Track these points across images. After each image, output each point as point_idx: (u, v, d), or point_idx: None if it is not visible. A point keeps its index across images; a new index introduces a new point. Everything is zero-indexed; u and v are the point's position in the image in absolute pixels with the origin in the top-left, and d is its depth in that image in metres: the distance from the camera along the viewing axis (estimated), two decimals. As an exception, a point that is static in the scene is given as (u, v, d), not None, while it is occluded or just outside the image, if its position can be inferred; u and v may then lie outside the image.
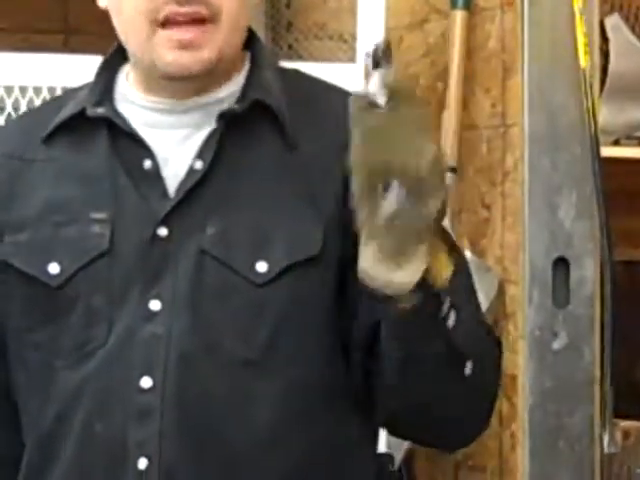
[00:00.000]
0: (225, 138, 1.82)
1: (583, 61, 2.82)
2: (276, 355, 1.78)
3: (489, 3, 3.03)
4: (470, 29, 3.04)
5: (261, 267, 1.76)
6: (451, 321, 1.68)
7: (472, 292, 1.83)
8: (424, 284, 1.59)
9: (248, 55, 1.92)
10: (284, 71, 1.98)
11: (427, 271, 1.58)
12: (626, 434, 3.06)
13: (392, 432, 1.99)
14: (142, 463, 1.75)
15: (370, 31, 2.80)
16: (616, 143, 3.13)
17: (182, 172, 1.81)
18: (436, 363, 1.72)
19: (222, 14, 1.79)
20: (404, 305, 1.63)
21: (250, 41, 1.93)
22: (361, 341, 1.79)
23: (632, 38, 3.30)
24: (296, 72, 1.99)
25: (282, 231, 1.79)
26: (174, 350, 1.77)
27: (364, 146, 1.55)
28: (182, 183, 1.80)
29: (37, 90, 2.62)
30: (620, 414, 2.95)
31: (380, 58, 1.61)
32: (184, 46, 1.78)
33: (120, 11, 1.82)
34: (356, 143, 1.55)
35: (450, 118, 3.06)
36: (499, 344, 1.90)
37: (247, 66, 1.91)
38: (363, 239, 1.57)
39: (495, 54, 3.01)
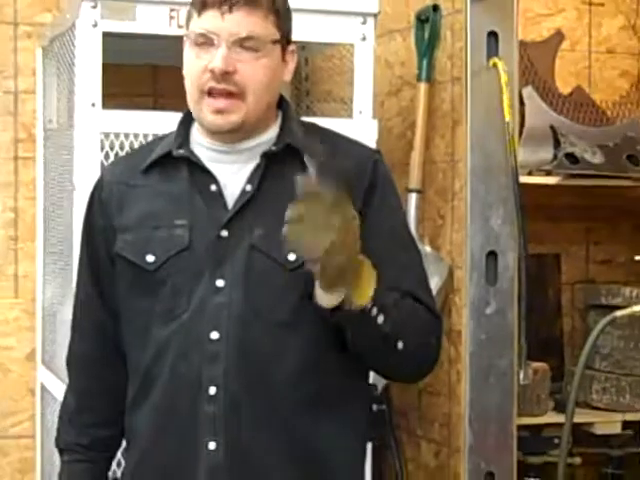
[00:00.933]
0: (266, 169, 1.85)
1: (508, 118, 2.80)
2: (300, 318, 1.81)
3: (443, 77, 2.99)
4: (430, 96, 3.02)
5: (291, 257, 1.78)
6: (380, 319, 1.73)
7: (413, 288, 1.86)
8: (341, 307, 1.68)
9: (280, 112, 1.92)
10: (304, 123, 1.98)
11: (346, 298, 1.67)
12: (535, 371, 3.02)
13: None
14: (212, 390, 1.80)
15: (362, 97, 2.79)
16: (529, 174, 3.09)
17: (237, 192, 1.84)
18: (372, 344, 1.79)
19: (247, 91, 1.80)
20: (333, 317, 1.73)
21: (281, 102, 1.93)
22: None
23: (540, 103, 3.27)
24: (313, 124, 2.00)
25: None
26: (233, 313, 1.81)
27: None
28: (237, 200, 1.84)
29: (136, 136, 2.61)
30: (531, 358, 2.94)
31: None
32: (218, 111, 1.80)
33: (187, 85, 1.85)
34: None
35: (416, 156, 3.03)
36: (438, 319, 1.92)
37: (279, 120, 1.91)
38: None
39: (447, 112, 2.99)
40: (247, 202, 1.84)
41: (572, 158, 3.21)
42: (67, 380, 2.09)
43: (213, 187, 1.86)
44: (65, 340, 2.76)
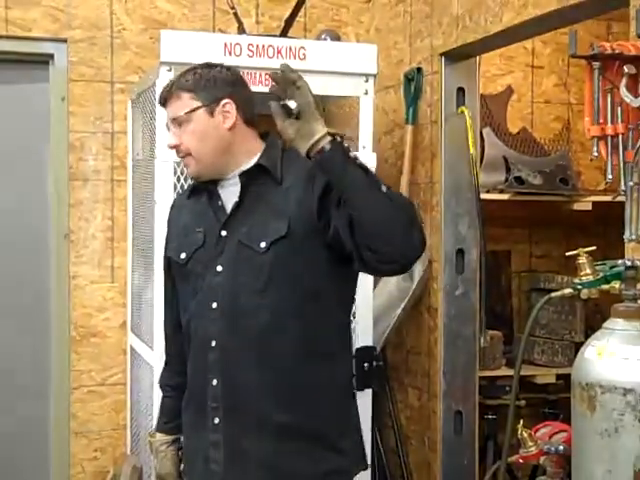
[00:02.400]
0: (247, 185, 1.87)
1: (472, 150, 2.82)
2: (274, 287, 1.82)
3: (424, 121, 2.97)
4: (415, 134, 3.00)
5: (262, 244, 1.82)
6: (359, 162, 1.66)
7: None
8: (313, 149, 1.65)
9: (264, 144, 1.92)
10: (288, 150, 1.86)
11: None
12: (492, 337, 3.05)
13: (363, 262, 1.71)
14: (213, 343, 1.86)
15: (365, 136, 2.76)
16: (487, 192, 3.09)
17: (232, 204, 1.89)
18: (359, 183, 1.66)
19: (191, 152, 1.87)
20: (323, 150, 1.65)
21: (266, 136, 1.93)
22: (344, 237, 1.71)
23: (496, 139, 3.29)
24: (291, 150, 1.81)
25: (272, 226, 1.82)
26: (225, 289, 1.85)
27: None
28: (231, 209, 1.89)
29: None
30: (489, 327, 2.96)
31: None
32: (186, 166, 1.93)
33: None
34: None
35: (404, 179, 3.00)
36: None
37: (261, 149, 1.91)
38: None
39: (427, 147, 2.96)
40: (236, 209, 1.88)
41: (519, 180, 3.25)
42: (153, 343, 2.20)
43: (219, 203, 1.92)
44: (147, 313, 2.81)
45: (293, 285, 1.83)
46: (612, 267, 1.85)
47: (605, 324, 1.67)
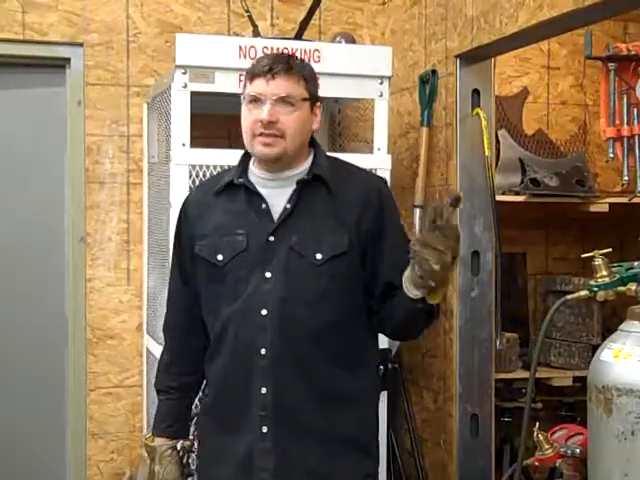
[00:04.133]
0: (301, 193, 1.87)
1: (487, 152, 2.80)
2: (326, 300, 1.83)
3: (439, 123, 2.95)
4: (430, 137, 2.99)
5: (318, 256, 1.83)
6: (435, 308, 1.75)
7: None
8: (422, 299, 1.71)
9: (312, 150, 1.93)
10: (330, 157, 1.98)
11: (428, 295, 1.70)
12: (508, 339, 3.02)
13: (375, 326, 1.93)
14: (262, 351, 1.83)
15: (380, 138, 2.77)
16: (503, 194, 3.09)
17: (280, 209, 1.86)
18: (419, 318, 1.81)
19: (285, 134, 1.83)
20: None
21: (313, 143, 1.95)
22: (375, 292, 1.86)
23: (511, 141, 3.28)
24: (335, 158, 2.01)
25: (328, 239, 1.84)
26: (276, 296, 1.83)
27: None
28: (280, 215, 1.86)
29: (214, 167, 2.58)
30: (504, 329, 2.94)
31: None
32: (266, 145, 1.84)
33: (243, 131, 1.89)
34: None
35: (420, 181, 2.99)
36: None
37: (311, 156, 1.93)
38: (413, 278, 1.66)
39: (442, 149, 2.95)
40: (287, 216, 1.86)
41: (535, 182, 3.22)
42: (163, 342, 2.13)
43: (263, 205, 1.88)
44: (162, 315, 2.81)
45: (345, 299, 1.85)
46: (628, 269, 1.84)
47: (621, 326, 1.66)
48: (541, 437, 2.11)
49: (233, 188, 1.92)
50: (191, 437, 2.05)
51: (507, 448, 3.15)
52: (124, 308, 3.25)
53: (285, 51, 2.63)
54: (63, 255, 3.25)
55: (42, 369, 3.24)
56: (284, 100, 1.83)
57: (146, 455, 2.05)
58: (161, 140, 2.96)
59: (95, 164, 3.21)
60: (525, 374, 3.07)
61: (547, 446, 2.10)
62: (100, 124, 3.20)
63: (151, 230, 3.10)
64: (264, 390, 1.83)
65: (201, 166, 2.62)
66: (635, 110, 2.11)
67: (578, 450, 2.01)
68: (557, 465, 2.11)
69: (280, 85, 1.83)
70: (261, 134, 1.83)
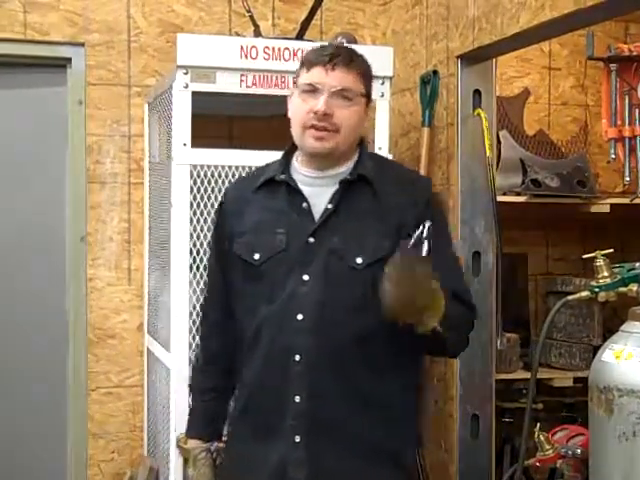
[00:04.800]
0: (343, 193, 1.80)
1: (488, 153, 2.80)
2: (365, 306, 1.74)
3: (441, 123, 2.95)
4: (431, 137, 2.98)
5: (359, 260, 1.75)
6: (440, 329, 1.64)
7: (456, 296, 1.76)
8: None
9: (358, 149, 1.85)
10: (377, 157, 1.93)
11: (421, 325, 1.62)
12: (509, 340, 3.02)
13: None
14: (297, 357, 1.76)
15: (381, 138, 2.77)
16: (504, 194, 3.08)
17: (321, 209, 1.80)
18: (428, 342, 1.70)
19: (340, 128, 1.76)
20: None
21: (361, 141, 1.87)
22: None
23: (512, 142, 3.27)
24: (381, 156, 1.97)
25: (370, 242, 1.76)
26: (313, 300, 1.76)
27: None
28: (321, 215, 1.79)
29: (215, 167, 2.59)
30: (505, 330, 2.93)
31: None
32: (319, 139, 1.76)
33: (292, 121, 1.82)
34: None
35: None
36: (473, 312, 1.85)
37: (357, 155, 1.85)
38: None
39: (443, 149, 2.94)
40: (329, 217, 1.79)
41: (536, 183, 3.22)
42: (199, 341, 2.07)
43: (304, 205, 1.81)
44: (163, 316, 2.81)
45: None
46: (629, 270, 1.84)
47: (622, 327, 1.67)
48: (542, 438, 2.12)
49: (274, 185, 1.85)
50: (224, 439, 1.98)
51: (508, 449, 3.15)
52: (125, 308, 3.24)
53: (285, 52, 2.65)
54: (64, 255, 3.25)
55: (43, 369, 3.24)
56: (342, 93, 1.76)
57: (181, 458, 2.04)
58: (162, 140, 2.96)
59: (96, 164, 3.21)
60: (526, 375, 3.07)
61: (548, 447, 2.11)
62: (101, 124, 3.20)
63: (152, 230, 3.10)
64: (297, 398, 1.76)
65: (202, 166, 2.61)
66: (637, 111, 2.11)
67: (579, 451, 2.01)
68: (558, 466, 2.11)
69: (340, 77, 1.76)
70: (313, 126, 1.76)
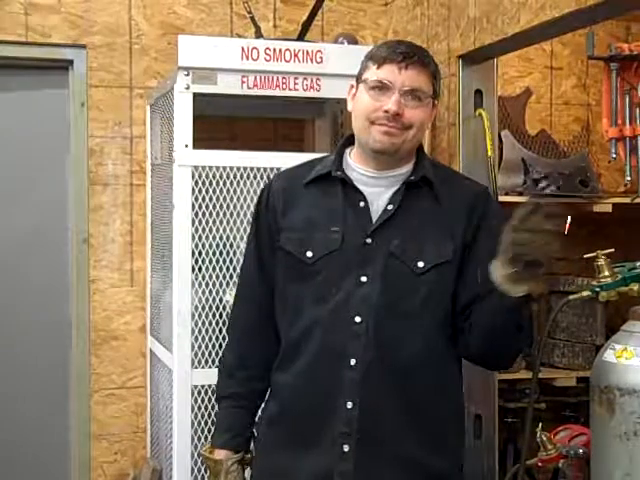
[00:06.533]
0: (405, 194, 1.76)
1: (490, 153, 2.79)
2: (426, 311, 1.71)
3: (442, 123, 2.95)
4: (433, 137, 2.98)
5: (420, 264, 1.71)
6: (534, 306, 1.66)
7: None
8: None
9: (415, 152, 1.82)
10: (433, 161, 1.89)
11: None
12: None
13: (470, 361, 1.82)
14: (352, 362, 1.69)
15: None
16: (506, 194, 3.06)
17: (380, 210, 1.75)
18: (510, 326, 1.66)
19: (409, 128, 1.72)
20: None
21: (420, 144, 1.83)
22: (463, 305, 1.72)
23: (514, 142, 3.25)
24: (437, 162, 1.92)
25: (431, 246, 1.72)
26: (372, 303, 1.70)
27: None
28: (380, 216, 1.74)
29: (217, 168, 2.59)
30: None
31: None
32: (386, 133, 1.71)
33: (356, 116, 1.77)
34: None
35: None
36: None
37: (415, 157, 1.81)
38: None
39: (445, 149, 2.94)
40: (388, 218, 1.74)
41: (538, 183, 3.20)
42: (228, 343, 1.95)
43: (362, 204, 1.75)
44: (166, 317, 2.82)
45: (445, 313, 1.73)
46: (631, 269, 1.84)
47: (624, 327, 1.67)
48: (544, 438, 2.12)
49: (327, 181, 1.79)
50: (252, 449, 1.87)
51: (511, 449, 3.14)
52: (127, 309, 3.25)
53: (286, 53, 2.65)
54: (66, 256, 3.26)
55: (45, 370, 3.25)
56: (413, 93, 1.71)
57: (207, 470, 1.86)
58: (164, 141, 2.97)
59: (98, 165, 3.22)
60: (529, 375, 3.06)
61: (550, 447, 2.10)
62: (103, 126, 3.21)
63: (154, 231, 3.11)
64: (350, 405, 1.68)
65: (204, 167, 2.62)
66: (637, 110, 2.11)
67: (581, 450, 2.01)
68: (560, 465, 2.11)
69: (413, 77, 1.71)
70: (382, 124, 1.71)
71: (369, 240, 1.73)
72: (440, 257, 1.71)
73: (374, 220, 1.74)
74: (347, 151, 1.84)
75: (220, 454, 1.82)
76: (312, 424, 1.71)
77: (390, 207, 1.74)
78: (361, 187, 1.77)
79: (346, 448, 1.68)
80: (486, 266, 1.59)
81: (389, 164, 1.77)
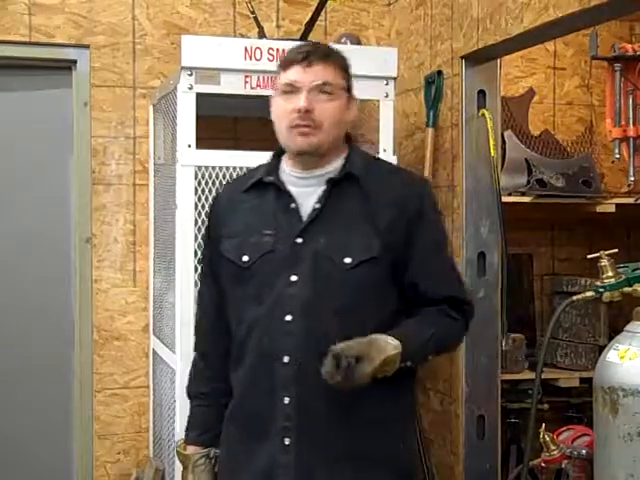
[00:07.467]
0: (331, 192, 1.78)
1: (493, 153, 2.80)
2: (354, 307, 1.73)
3: (445, 124, 2.96)
4: (435, 137, 2.98)
5: (347, 260, 1.73)
6: (409, 363, 1.71)
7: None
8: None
9: (347, 147, 1.84)
10: (369, 156, 1.90)
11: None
12: (514, 340, 3.03)
13: None
14: (286, 359, 1.74)
15: (386, 139, 2.77)
16: (509, 195, 3.08)
17: (309, 209, 1.78)
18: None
19: (322, 124, 1.74)
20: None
21: (350, 139, 1.86)
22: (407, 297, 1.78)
23: (517, 142, 3.27)
24: (376, 157, 1.95)
25: (357, 242, 1.74)
26: (301, 301, 1.74)
27: None
28: (309, 215, 1.78)
29: (220, 168, 2.60)
30: (511, 330, 2.94)
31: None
32: (302, 134, 1.75)
33: (275, 122, 1.81)
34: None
35: None
36: (469, 306, 1.85)
37: (346, 152, 1.83)
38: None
39: (448, 150, 2.94)
40: (316, 217, 1.77)
41: (541, 183, 3.22)
42: (194, 346, 2.03)
43: (293, 205, 1.80)
44: (168, 317, 2.82)
45: (375, 308, 1.76)
46: (634, 270, 1.84)
47: (627, 327, 1.67)
48: (547, 438, 2.12)
49: (262, 186, 1.84)
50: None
51: (514, 449, 3.15)
52: (130, 309, 3.25)
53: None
54: (69, 256, 3.26)
55: (48, 370, 3.25)
56: (321, 88, 1.74)
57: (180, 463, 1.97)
58: (167, 141, 2.97)
59: (101, 165, 3.22)
60: (532, 375, 3.05)
61: (553, 447, 2.11)
62: (106, 126, 3.21)
63: (157, 231, 3.11)
64: (287, 400, 1.74)
65: (207, 167, 2.62)
66: (641, 110, 2.11)
67: (584, 451, 2.02)
68: (563, 466, 2.11)
69: (318, 72, 1.75)
70: (297, 125, 1.74)
71: (299, 240, 1.77)
72: (367, 253, 1.74)
73: (304, 220, 1.78)
74: (283, 158, 1.87)
75: (189, 449, 1.92)
76: (259, 420, 1.77)
77: (317, 206, 1.78)
78: (292, 189, 1.81)
79: (287, 441, 1.74)
80: (422, 263, 1.73)
81: (315, 163, 1.80)
